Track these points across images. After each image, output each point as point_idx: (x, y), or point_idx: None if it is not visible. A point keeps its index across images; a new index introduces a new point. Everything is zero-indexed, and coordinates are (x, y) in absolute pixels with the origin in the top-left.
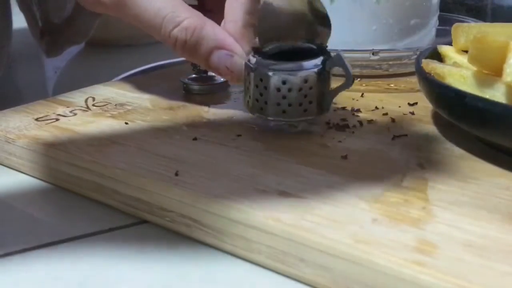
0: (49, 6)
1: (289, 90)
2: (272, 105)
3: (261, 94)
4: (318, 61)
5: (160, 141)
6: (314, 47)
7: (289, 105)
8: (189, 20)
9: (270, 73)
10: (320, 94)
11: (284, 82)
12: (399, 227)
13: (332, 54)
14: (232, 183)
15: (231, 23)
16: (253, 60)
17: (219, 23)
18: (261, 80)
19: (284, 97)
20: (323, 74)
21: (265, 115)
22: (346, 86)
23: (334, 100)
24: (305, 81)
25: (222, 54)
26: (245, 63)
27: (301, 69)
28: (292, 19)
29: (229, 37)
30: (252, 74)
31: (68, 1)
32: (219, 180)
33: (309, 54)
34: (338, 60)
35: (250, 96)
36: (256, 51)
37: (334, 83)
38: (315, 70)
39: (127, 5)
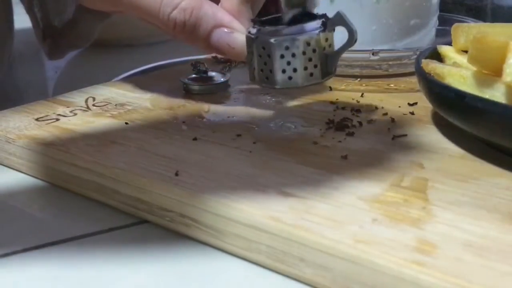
0: (49, 8)
1: (293, 55)
2: (278, 72)
3: (265, 63)
4: (318, 23)
5: (160, 141)
6: (313, 13)
7: (295, 70)
8: (187, 1)
9: (272, 40)
10: (324, 56)
11: (287, 48)
12: (399, 227)
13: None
14: (232, 183)
15: (227, 1)
16: (254, 30)
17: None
18: (263, 48)
19: (288, 63)
20: (325, 36)
21: (272, 84)
22: (349, 44)
23: (334, 100)
24: (308, 44)
25: (222, 32)
26: (246, 36)
27: (302, 32)
28: None
29: (227, 15)
30: (254, 45)
31: (69, 4)
32: (219, 180)
33: (309, 20)
34: (339, 19)
35: (254, 68)
36: (256, 22)
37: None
38: (317, 32)
39: None
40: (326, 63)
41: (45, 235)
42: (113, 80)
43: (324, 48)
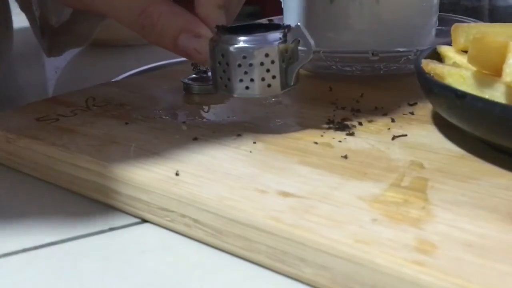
0: (47, 8)
1: (250, 65)
2: (235, 81)
3: (224, 71)
4: (279, 34)
5: (160, 141)
6: (278, 24)
7: (252, 80)
8: (155, 6)
9: (231, 48)
10: (283, 68)
11: (244, 57)
12: (399, 227)
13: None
14: (232, 183)
15: (200, 6)
16: (216, 37)
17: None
18: (222, 56)
19: (246, 73)
20: (285, 48)
21: (230, 92)
22: (305, 58)
23: (334, 100)
24: (266, 55)
25: (189, 37)
26: (209, 41)
27: (262, 42)
28: None
29: (195, 20)
30: (214, 51)
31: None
32: (219, 180)
33: (274, 30)
34: (298, 31)
35: (215, 74)
36: (220, 28)
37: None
38: (276, 43)
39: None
40: (286, 75)
41: (45, 235)
42: (113, 80)
43: (284, 60)
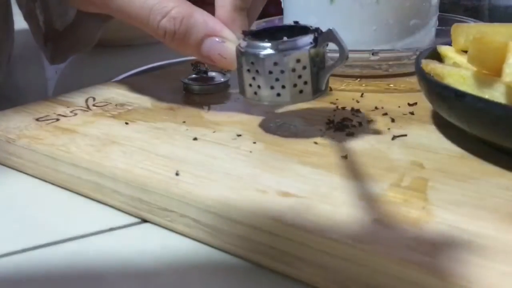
0: (52, 12)
1: (282, 71)
2: (266, 88)
3: (253, 78)
4: (309, 38)
5: (160, 141)
6: (305, 26)
7: (283, 87)
8: (177, 9)
9: (261, 55)
10: (315, 73)
11: (275, 64)
12: (399, 227)
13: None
14: (232, 183)
15: (220, 9)
16: (244, 43)
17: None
18: (252, 63)
19: (277, 79)
20: (316, 52)
21: (260, 100)
22: (340, 61)
23: (334, 100)
24: (298, 60)
25: (214, 41)
26: (236, 48)
27: (293, 47)
28: None
29: (219, 24)
30: (243, 58)
31: (70, 7)
32: (219, 180)
33: (300, 33)
34: (330, 35)
35: (243, 81)
36: (247, 34)
37: (336, 83)
38: (308, 48)
39: (125, 4)
40: (317, 80)
41: (45, 235)
42: (113, 80)
43: (315, 65)
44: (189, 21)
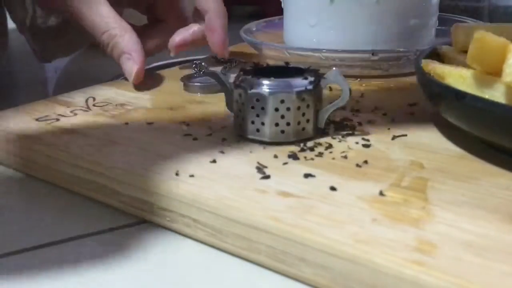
0: (35, 10)
1: (288, 109)
2: (270, 126)
3: (257, 115)
4: (313, 78)
5: (160, 141)
6: (301, 67)
7: (288, 124)
8: (115, 29)
9: (268, 93)
10: (316, 111)
11: (282, 101)
12: (399, 227)
13: (323, 71)
14: (232, 183)
15: (213, 34)
16: (246, 81)
17: (172, 31)
18: (257, 100)
19: (282, 117)
20: (318, 91)
21: (262, 137)
22: (342, 101)
23: (334, 100)
24: (303, 99)
25: (124, 58)
26: (235, 84)
27: (298, 86)
28: None
29: (135, 45)
30: (246, 95)
31: (51, 13)
32: (219, 180)
33: (297, 74)
34: (335, 76)
35: (243, 119)
36: (249, 72)
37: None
38: (311, 87)
39: (84, 13)
40: (317, 119)
41: (45, 235)
42: (113, 80)
43: (317, 104)
44: (117, 39)
